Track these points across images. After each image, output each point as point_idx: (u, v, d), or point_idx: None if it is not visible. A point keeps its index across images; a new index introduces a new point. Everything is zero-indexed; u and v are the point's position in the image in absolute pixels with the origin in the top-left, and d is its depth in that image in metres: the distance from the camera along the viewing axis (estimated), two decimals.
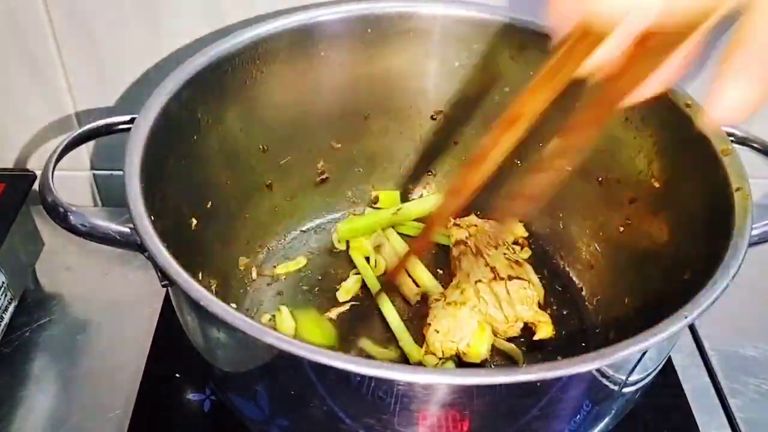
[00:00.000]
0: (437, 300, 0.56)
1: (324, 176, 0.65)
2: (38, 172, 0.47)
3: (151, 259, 0.39)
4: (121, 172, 0.43)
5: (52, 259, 0.65)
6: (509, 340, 0.56)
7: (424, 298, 0.59)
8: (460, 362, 0.54)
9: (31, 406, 0.54)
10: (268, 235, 0.63)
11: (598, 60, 0.33)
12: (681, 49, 0.31)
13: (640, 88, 0.33)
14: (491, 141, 0.39)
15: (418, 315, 0.58)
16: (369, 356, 0.55)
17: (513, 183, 0.39)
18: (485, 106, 0.61)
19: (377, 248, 0.63)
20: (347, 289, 0.60)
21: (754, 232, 0.43)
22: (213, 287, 0.55)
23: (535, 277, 0.59)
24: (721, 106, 0.30)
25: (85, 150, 0.69)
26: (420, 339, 0.56)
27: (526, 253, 0.64)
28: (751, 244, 0.42)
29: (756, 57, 0.29)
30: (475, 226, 0.62)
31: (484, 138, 0.40)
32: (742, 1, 0.29)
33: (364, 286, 0.61)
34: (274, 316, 0.58)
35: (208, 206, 0.55)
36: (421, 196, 0.68)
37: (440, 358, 0.54)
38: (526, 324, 0.56)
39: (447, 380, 0.35)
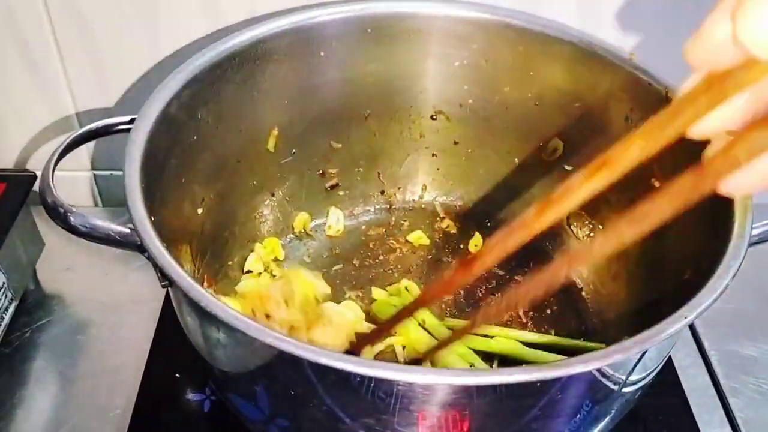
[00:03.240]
0: None
1: (324, 176, 0.65)
2: (38, 173, 0.47)
3: (151, 259, 0.39)
4: (121, 172, 0.43)
5: (52, 259, 0.64)
6: None
7: None
8: None
9: (31, 406, 0.54)
10: (269, 235, 0.63)
11: (715, 122, 0.29)
12: None
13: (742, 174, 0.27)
14: (568, 187, 0.33)
15: None
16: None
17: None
18: (485, 107, 0.61)
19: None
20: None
21: (754, 232, 0.43)
22: (213, 288, 0.55)
23: None
24: None
25: (85, 150, 0.69)
26: None
27: None
28: (751, 244, 0.42)
29: None
30: None
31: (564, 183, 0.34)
32: None
33: None
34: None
35: (209, 206, 0.55)
36: (420, 197, 0.68)
37: None
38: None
39: (447, 380, 0.35)
